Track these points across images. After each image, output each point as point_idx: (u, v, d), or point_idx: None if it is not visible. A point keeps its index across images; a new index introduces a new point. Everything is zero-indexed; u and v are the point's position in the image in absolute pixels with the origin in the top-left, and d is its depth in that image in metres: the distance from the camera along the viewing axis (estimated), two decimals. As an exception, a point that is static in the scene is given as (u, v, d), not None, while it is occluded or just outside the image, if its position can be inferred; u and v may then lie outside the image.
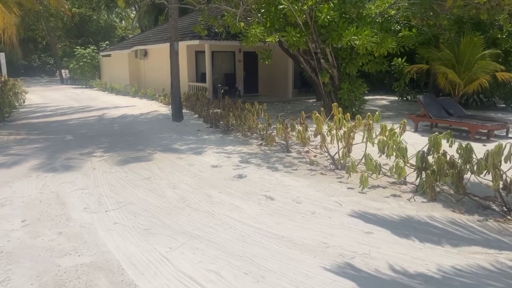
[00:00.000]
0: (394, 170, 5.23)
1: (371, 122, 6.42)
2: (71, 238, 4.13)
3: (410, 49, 13.37)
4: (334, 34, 10.99)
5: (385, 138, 5.67)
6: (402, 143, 5.66)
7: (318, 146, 7.59)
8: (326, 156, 7.53)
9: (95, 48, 28.08)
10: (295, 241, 4.00)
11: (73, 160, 7.49)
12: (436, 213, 4.68)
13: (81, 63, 26.63)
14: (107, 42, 29.77)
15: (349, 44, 10.80)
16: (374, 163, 5.46)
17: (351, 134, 6.62)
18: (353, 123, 6.74)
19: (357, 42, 10.55)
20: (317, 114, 7.12)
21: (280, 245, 3.92)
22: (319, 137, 7.45)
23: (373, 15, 11.90)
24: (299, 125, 8.00)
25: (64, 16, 32.84)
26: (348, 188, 5.61)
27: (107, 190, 5.70)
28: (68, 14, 17.84)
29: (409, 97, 16.75)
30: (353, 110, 12.21)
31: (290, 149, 8.17)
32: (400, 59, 16.10)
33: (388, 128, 6.11)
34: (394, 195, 5.28)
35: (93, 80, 26.31)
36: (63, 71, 34.31)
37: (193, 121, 12.09)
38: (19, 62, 43.64)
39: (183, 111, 12.76)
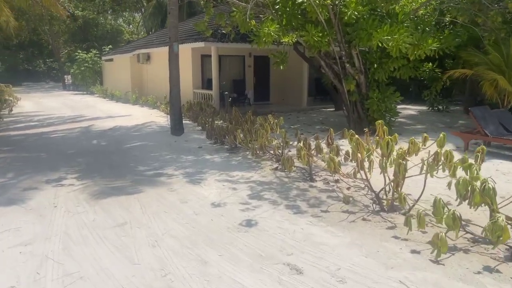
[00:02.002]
0: (490, 230, 3.38)
1: (430, 148, 4.59)
2: None
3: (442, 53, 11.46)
4: (362, 34, 9.20)
5: (467, 177, 3.82)
6: (488, 183, 3.82)
7: (351, 173, 5.79)
8: (363, 188, 5.71)
9: (97, 52, 26.64)
10: None
11: (33, 190, 5.77)
12: None
13: (82, 68, 25.19)
14: (110, 46, 28.30)
15: (380, 45, 9.02)
16: (452, 214, 3.62)
17: (403, 162, 4.77)
18: (400, 146, 4.92)
19: (390, 43, 8.76)
20: (351, 132, 5.32)
21: None
22: (346, 159, 5.70)
23: (407, 12, 10.05)
24: (326, 145, 6.21)
25: (67, 19, 31.60)
26: (412, 251, 3.77)
27: (59, 247, 3.95)
28: (62, 15, 16.36)
29: (440, 107, 14.82)
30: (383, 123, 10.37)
31: (314, 177, 6.36)
32: (430, 64, 14.19)
33: (440, 150, 4.31)
34: (489, 269, 3.43)
35: (94, 86, 24.80)
36: (66, 76, 33.00)
37: (195, 135, 10.34)
38: (23, 67, 42.70)
39: (185, 122, 11.06)
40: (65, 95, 24.93)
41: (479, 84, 11.62)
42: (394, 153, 4.86)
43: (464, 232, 4.01)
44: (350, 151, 5.39)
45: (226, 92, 14.01)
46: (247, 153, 8.08)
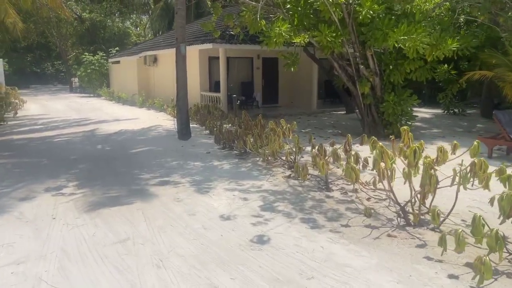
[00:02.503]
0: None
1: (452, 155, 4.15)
2: None
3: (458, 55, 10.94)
4: (377, 34, 8.77)
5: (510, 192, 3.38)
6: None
7: (370, 182, 5.37)
8: (384, 199, 5.28)
9: (104, 54, 26.43)
10: None
11: (31, 200, 5.42)
12: None
13: (89, 71, 24.97)
14: (117, 48, 28.10)
15: (396, 46, 8.59)
16: (495, 234, 3.19)
17: (432, 172, 4.33)
18: (428, 155, 4.48)
19: (407, 44, 8.33)
20: (373, 138, 4.90)
21: None
22: (364, 166, 5.29)
23: (425, 11, 9.59)
24: (343, 152, 5.79)
25: (74, 21, 31.50)
26: (450, 276, 3.34)
27: (54, 267, 3.58)
28: (68, 17, 16.14)
29: (456, 110, 14.30)
30: (398, 127, 9.92)
31: (331, 186, 5.95)
32: (446, 66, 13.69)
33: (476, 160, 3.87)
34: (541, 299, 2.99)
35: (101, 88, 24.57)
36: (74, 79, 32.87)
37: (203, 139, 9.97)
38: (31, 69, 42.75)
39: (192, 125, 10.69)
40: (71, 98, 24.74)
41: (498, 87, 11.14)
42: (420, 161, 4.44)
43: (508, 254, 3.56)
44: (371, 159, 4.97)
45: (234, 95, 13.63)
46: (257, 159, 7.69)
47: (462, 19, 12.06)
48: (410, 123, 10.12)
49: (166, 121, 13.27)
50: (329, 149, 6.50)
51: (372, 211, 4.85)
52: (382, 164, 4.55)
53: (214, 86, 15.83)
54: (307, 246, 3.93)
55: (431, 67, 10.11)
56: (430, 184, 4.09)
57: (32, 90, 33.61)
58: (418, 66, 9.76)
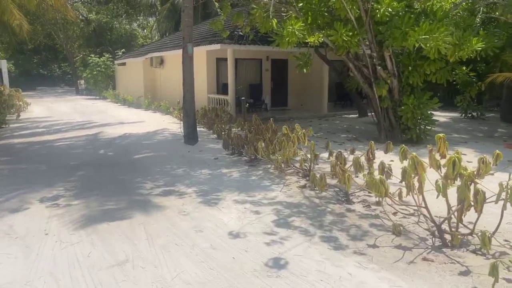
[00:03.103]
0: None
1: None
2: None
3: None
4: (396, 33, 8.23)
5: None
6: None
7: (396, 194, 4.85)
8: (413, 214, 4.73)
9: (110, 56, 26.11)
10: None
11: (24, 212, 4.96)
12: None
13: (95, 72, 24.65)
14: (123, 50, 27.78)
15: (416, 46, 8.06)
16: None
17: (480, 189, 3.78)
18: (468, 167, 3.94)
19: (428, 43, 7.79)
20: (403, 147, 4.38)
21: None
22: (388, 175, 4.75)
23: (447, 9, 9.03)
24: (366, 161, 5.26)
25: (80, 23, 31.29)
26: (507, 315, 2.80)
27: (39, 296, 3.10)
28: (72, 17, 15.80)
29: (474, 114, 13.67)
30: (417, 132, 9.37)
31: (351, 197, 5.41)
32: (464, 68, 13.07)
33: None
34: None
35: (107, 90, 24.23)
36: (80, 81, 32.65)
37: (210, 144, 9.48)
38: (38, 71, 42.68)
39: (199, 129, 10.20)
40: (77, 100, 24.43)
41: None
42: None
43: None
44: (393, 166, 4.44)
45: (243, 98, 13.14)
46: (269, 166, 7.18)
47: (478, 19, 11.48)
48: (429, 127, 9.55)
49: (172, 125, 12.81)
50: (348, 155, 6.00)
51: (401, 228, 4.31)
52: (416, 176, 4.02)
53: (222, 88, 15.36)
54: (332, 273, 3.40)
55: (451, 69, 9.54)
56: (477, 202, 3.54)
57: (38, 92, 33.45)
58: (438, 68, 9.20)
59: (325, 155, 6.70)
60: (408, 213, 4.82)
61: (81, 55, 35.19)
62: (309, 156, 6.39)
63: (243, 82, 16.06)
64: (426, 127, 9.49)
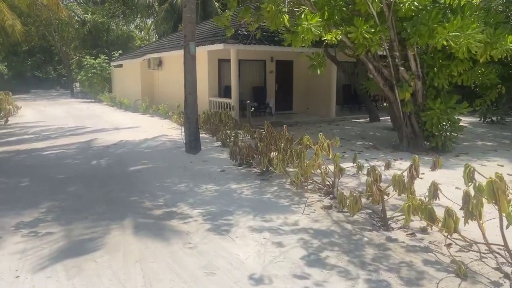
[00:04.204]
0: None
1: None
2: None
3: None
4: (422, 30, 7.36)
5: None
6: None
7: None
8: (470, 246, 3.84)
9: (106, 58, 25.17)
10: None
11: (-7, 245, 4.04)
12: None
13: (90, 75, 23.69)
14: (119, 51, 26.85)
15: (445, 44, 7.21)
16: None
17: None
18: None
19: (460, 41, 6.95)
20: (469, 166, 3.50)
21: None
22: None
23: (476, 4, 8.17)
24: (409, 179, 4.36)
25: (75, 23, 30.36)
26: None
27: None
28: (64, 15, 14.94)
29: (494, 118, 12.83)
30: (442, 139, 8.49)
31: (389, 223, 4.52)
32: (483, 70, 12.21)
33: None
34: None
35: (103, 93, 23.27)
36: (76, 83, 31.66)
37: (215, 153, 8.58)
38: (32, 73, 41.69)
39: (201, 135, 9.27)
40: (71, 103, 23.46)
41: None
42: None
43: None
44: (462, 193, 3.55)
45: (248, 101, 12.25)
46: (284, 180, 6.29)
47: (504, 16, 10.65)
48: (456, 134, 8.68)
49: (171, 130, 11.90)
50: (380, 167, 5.10)
51: (465, 267, 3.42)
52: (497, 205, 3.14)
53: (224, 91, 14.47)
54: None
55: (480, 70, 8.70)
56: None
57: (31, 95, 32.47)
58: (466, 68, 8.35)
59: (345, 165, 5.80)
60: (464, 244, 3.93)
61: (77, 57, 34.24)
62: (330, 168, 5.51)
63: (246, 85, 15.18)
64: (452, 134, 8.62)
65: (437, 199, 3.87)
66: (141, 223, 4.62)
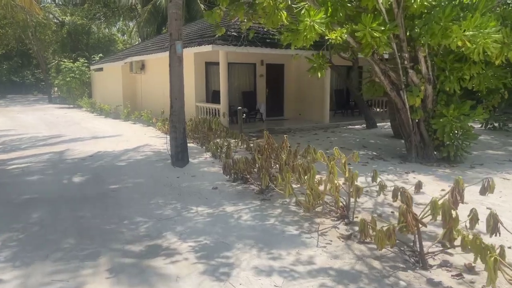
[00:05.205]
0: None
1: None
2: None
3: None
4: (435, 28, 6.61)
5: None
6: None
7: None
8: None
9: (86, 61, 23.93)
10: None
11: None
12: None
13: (68, 79, 22.42)
14: (100, 54, 25.63)
15: (460, 44, 6.48)
16: None
17: None
18: None
19: (477, 41, 6.24)
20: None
21: None
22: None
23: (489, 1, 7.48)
24: (452, 204, 3.53)
25: (53, 25, 28.99)
26: None
27: None
28: (38, 13, 13.87)
29: (496, 124, 12.26)
30: (454, 149, 7.77)
31: (426, 258, 3.68)
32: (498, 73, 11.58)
33: None
34: None
35: (82, 98, 22.03)
36: (54, 88, 30.20)
37: (204, 166, 7.64)
38: (8, 78, 39.93)
39: (189, 144, 8.32)
40: (48, 109, 22.11)
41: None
42: None
43: None
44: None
45: (239, 107, 11.37)
46: (287, 200, 5.41)
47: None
48: (468, 143, 7.97)
49: (155, 139, 10.90)
50: (413, 193, 4.27)
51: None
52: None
53: (212, 96, 13.57)
54: None
55: (494, 73, 8.03)
56: None
57: (6, 100, 30.83)
58: (480, 71, 7.66)
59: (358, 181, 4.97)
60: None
61: (56, 61, 32.79)
62: (339, 183, 4.66)
63: (235, 89, 14.32)
64: (464, 143, 7.90)
65: (498, 234, 3.06)
66: (119, 265, 3.66)
